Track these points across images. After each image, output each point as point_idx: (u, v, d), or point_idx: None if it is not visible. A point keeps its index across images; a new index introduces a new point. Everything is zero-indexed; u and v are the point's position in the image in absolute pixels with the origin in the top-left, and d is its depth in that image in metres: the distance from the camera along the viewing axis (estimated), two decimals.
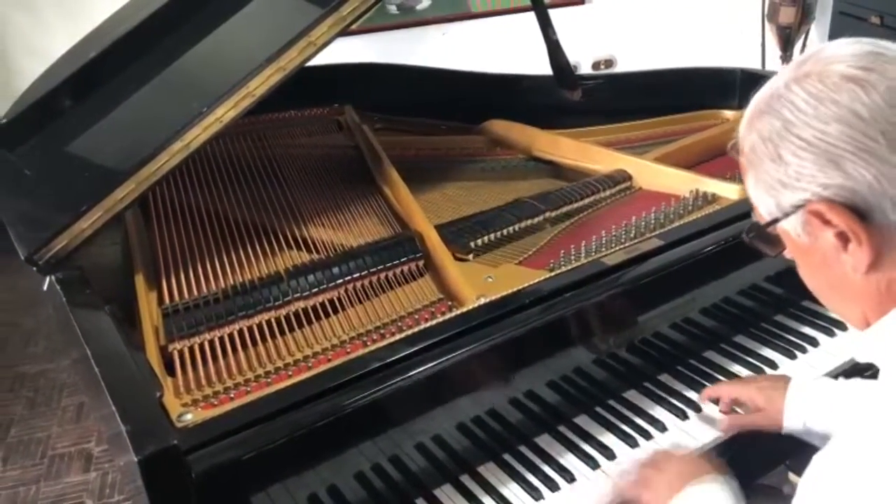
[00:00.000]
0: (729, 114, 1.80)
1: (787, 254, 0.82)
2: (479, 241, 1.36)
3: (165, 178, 1.56)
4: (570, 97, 1.78)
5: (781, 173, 0.72)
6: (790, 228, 0.75)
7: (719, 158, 1.60)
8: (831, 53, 0.72)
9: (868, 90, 0.68)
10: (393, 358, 1.02)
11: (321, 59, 1.30)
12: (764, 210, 0.77)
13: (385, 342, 1.07)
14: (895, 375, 0.70)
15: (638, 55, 3.49)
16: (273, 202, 1.51)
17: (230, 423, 0.94)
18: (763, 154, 0.73)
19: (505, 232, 1.39)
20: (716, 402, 1.21)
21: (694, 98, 1.80)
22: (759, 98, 0.76)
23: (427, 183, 1.63)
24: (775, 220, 0.75)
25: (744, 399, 1.18)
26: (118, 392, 0.93)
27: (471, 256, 1.32)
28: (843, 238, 0.71)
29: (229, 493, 0.95)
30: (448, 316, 1.12)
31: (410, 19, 3.34)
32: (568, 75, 1.74)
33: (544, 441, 1.17)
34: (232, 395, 1.02)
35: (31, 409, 2.39)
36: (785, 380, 1.16)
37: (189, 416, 0.96)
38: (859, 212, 0.69)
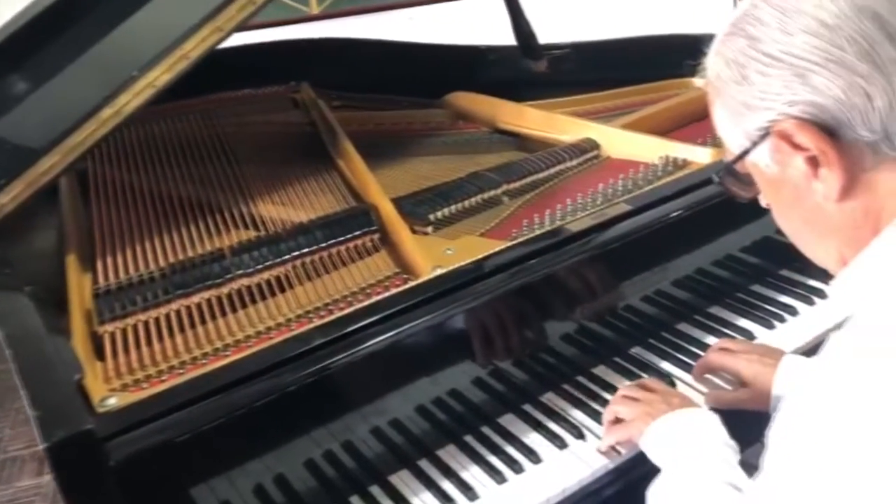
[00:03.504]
0: (701, 82, 1.72)
1: (762, 199, 0.76)
2: (439, 214, 1.28)
3: (109, 158, 1.53)
4: (535, 68, 1.71)
5: (747, 95, 0.68)
6: (759, 160, 0.70)
7: (691, 125, 1.54)
8: None
9: None
10: (338, 334, 0.94)
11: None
12: (733, 144, 0.72)
13: (330, 318, 0.99)
14: (869, 318, 0.63)
15: (607, 22, 3.42)
16: (223, 180, 1.43)
17: (157, 407, 0.86)
18: (728, 78, 0.69)
19: (466, 204, 1.31)
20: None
21: (665, 66, 1.73)
22: (727, 21, 0.71)
23: (387, 158, 1.55)
24: (744, 153, 0.70)
25: (730, 371, 1.12)
26: (30, 376, 0.84)
27: (430, 229, 1.25)
28: (814, 163, 0.66)
29: (159, 483, 0.87)
30: (401, 288, 1.04)
31: (377, 4, 3.26)
32: (532, 45, 1.67)
33: (508, 420, 1.10)
34: (164, 379, 0.94)
35: None
36: (776, 355, 1.09)
37: (112, 401, 0.87)
38: (828, 129, 0.64)
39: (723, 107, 0.72)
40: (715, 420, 0.96)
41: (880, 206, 0.66)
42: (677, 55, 1.72)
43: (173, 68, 1.12)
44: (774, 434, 0.65)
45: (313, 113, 1.68)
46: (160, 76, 1.11)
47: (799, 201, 0.70)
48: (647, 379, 1.11)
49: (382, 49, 1.90)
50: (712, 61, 0.72)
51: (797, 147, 0.66)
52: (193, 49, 1.13)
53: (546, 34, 1.81)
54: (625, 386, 1.09)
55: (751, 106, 0.68)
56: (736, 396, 1.09)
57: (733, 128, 0.71)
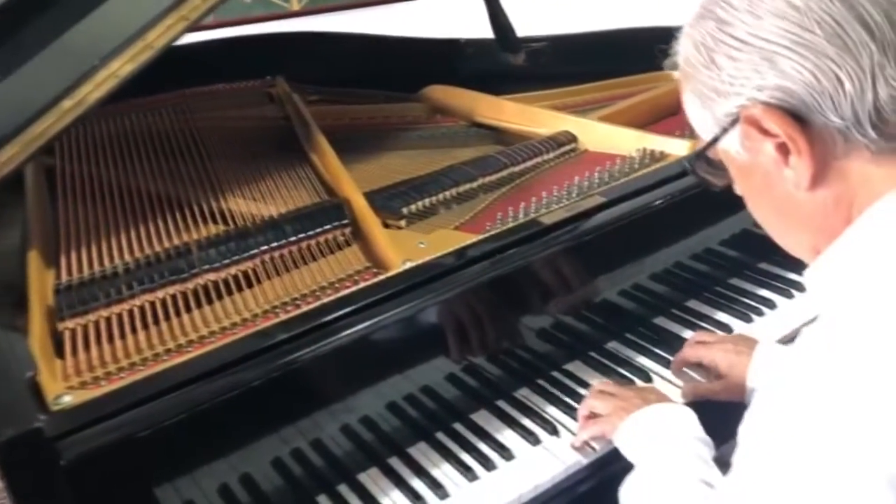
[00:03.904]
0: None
1: (736, 187, 0.74)
2: (413, 208, 1.26)
3: (79, 154, 1.50)
4: (513, 61, 1.69)
5: (716, 79, 0.66)
6: (730, 147, 0.69)
7: (670, 118, 1.52)
8: None
9: None
10: (301, 329, 0.92)
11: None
12: (704, 131, 0.71)
13: (295, 313, 0.96)
14: (840, 313, 0.61)
15: (585, 14, 3.39)
16: (194, 175, 1.40)
17: (113, 404, 0.84)
18: (697, 62, 0.67)
19: (441, 197, 1.29)
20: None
21: (645, 59, 1.71)
22: (697, 5, 0.69)
23: (362, 152, 1.53)
24: (714, 139, 0.69)
25: (706, 363, 1.10)
26: None
27: (403, 223, 1.22)
28: (784, 150, 0.64)
29: (117, 483, 0.84)
30: (369, 282, 1.01)
31: (356, 1, 3.23)
32: (510, 38, 1.65)
33: (480, 417, 1.07)
34: (123, 375, 0.91)
35: None
36: (750, 343, 1.07)
37: (67, 399, 0.84)
38: (798, 115, 0.62)
39: (692, 92, 0.70)
40: (690, 415, 0.94)
41: (852, 195, 0.64)
42: (657, 48, 1.71)
43: (136, 58, 1.09)
44: (744, 432, 0.64)
45: (288, 107, 1.66)
46: (123, 66, 1.08)
47: (770, 189, 0.68)
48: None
49: (360, 43, 1.88)
50: (682, 45, 0.70)
51: (766, 133, 0.64)
52: (157, 38, 1.10)
53: (526, 27, 1.79)
54: (601, 382, 1.07)
55: (720, 91, 0.66)
56: (711, 388, 1.08)
57: (703, 113, 0.70)
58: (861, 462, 0.55)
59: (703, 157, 0.72)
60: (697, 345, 1.12)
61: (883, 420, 0.54)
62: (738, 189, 0.74)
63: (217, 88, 1.78)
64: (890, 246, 0.61)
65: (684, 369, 1.13)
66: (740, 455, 0.63)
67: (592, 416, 1.02)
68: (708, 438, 0.91)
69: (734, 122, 0.67)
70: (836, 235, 0.66)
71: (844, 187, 0.64)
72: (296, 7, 3.27)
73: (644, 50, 1.75)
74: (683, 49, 0.70)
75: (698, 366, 1.12)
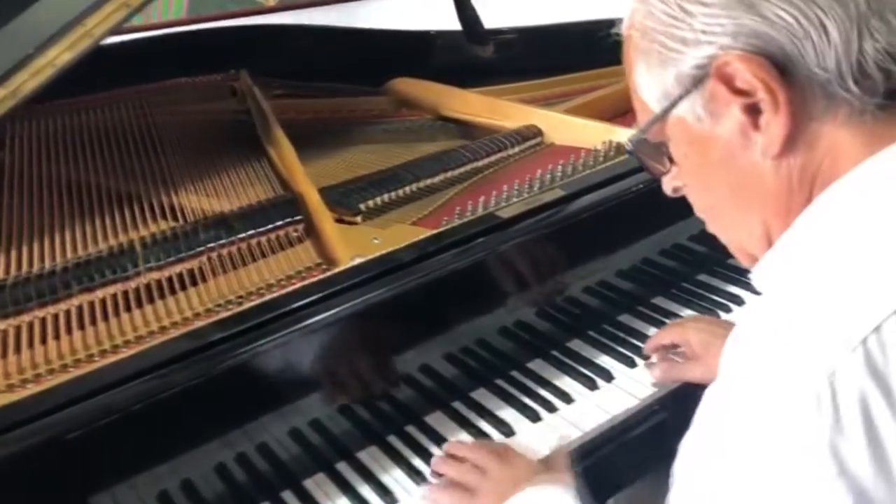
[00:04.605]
0: None
1: (672, 178, 0.69)
2: (371, 203, 1.22)
3: (30, 149, 1.45)
4: (481, 54, 1.65)
5: (685, 28, 0.58)
6: (688, 114, 0.61)
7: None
8: None
9: None
10: (238, 328, 0.88)
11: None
12: (658, 98, 0.63)
13: (233, 311, 0.92)
14: (774, 307, 0.57)
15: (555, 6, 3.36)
16: (147, 171, 1.36)
17: (40, 406, 0.80)
18: (661, 12, 0.60)
19: (401, 192, 1.25)
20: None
21: (615, 51, 1.67)
22: None
23: (323, 147, 1.48)
24: (672, 103, 0.62)
25: (679, 342, 1.06)
26: None
27: (359, 218, 1.18)
28: (754, 111, 0.58)
29: (44, 489, 0.79)
30: (313, 279, 0.97)
31: None
32: (477, 29, 1.61)
33: (435, 420, 1.03)
34: (52, 378, 0.86)
35: None
36: (726, 325, 1.03)
37: None
38: (777, 65, 0.56)
39: (648, 52, 0.62)
40: (565, 498, 0.83)
41: (816, 167, 0.59)
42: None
43: (75, 46, 1.04)
44: (683, 443, 0.60)
45: (249, 101, 1.61)
46: (60, 55, 1.04)
47: (728, 163, 0.62)
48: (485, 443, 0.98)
49: (326, 35, 1.83)
50: (639, 4, 0.63)
51: (736, 92, 0.58)
52: (97, 26, 1.05)
53: (498, 19, 1.75)
54: (455, 443, 0.98)
55: (688, 41, 0.59)
56: (684, 370, 1.04)
57: (661, 74, 0.62)
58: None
59: (645, 135, 0.66)
60: (672, 325, 1.09)
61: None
62: (684, 171, 0.67)
63: (179, 83, 1.74)
64: (839, 237, 0.56)
65: (656, 356, 1.10)
66: (676, 468, 0.60)
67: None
68: None
69: (700, 79, 0.59)
70: (794, 217, 0.60)
71: (811, 157, 0.58)
72: (272, 2, 3.21)
73: (616, 42, 1.72)
74: (641, 4, 0.63)
75: (674, 347, 1.09)
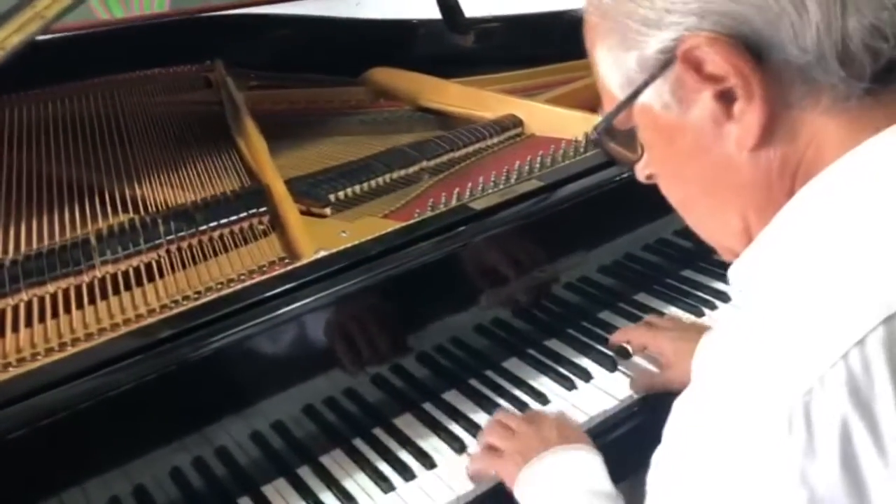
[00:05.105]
0: None
1: (643, 167, 0.63)
2: (341, 195, 1.17)
3: None
4: (462, 43, 1.60)
5: (647, 7, 0.52)
6: (654, 101, 0.55)
7: None
8: None
9: None
10: (192, 324, 0.83)
11: None
12: (622, 85, 0.57)
13: (188, 306, 0.87)
14: (758, 311, 0.52)
15: None
16: (113, 162, 1.31)
17: None
18: None
19: (373, 184, 1.20)
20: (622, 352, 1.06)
21: None
22: None
23: (298, 138, 1.43)
24: (636, 92, 0.55)
25: (653, 350, 1.02)
26: None
27: (328, 211, 1.13)
28: (726, 98, 0.52)
29: None
30: (273, 273, 0.92)
31: None
32: (456, 17, 1.56)
33: (403, 422, 0.98)
34: None
35: None
36: (699, 329, 0.99)
37: None
38: (750, 48, 0.50)
39: (607, 34, 0.56)
40: (592, 462, 0.84)
41: (799, 159, 0.53)
42: None
43: (24, 28, 0.99)
44: (654, 457, 0.55)
45: (223, 92, 1.56)
46: (8, 38, 0.98)
47: (700, 155, 0.56)
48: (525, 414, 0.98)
49: (305, 24, 1.78)
50: None
51: (706, 78, 0.52)
52: (49, 7, 1.00)
53: (479, 7, 1.70)
54: (502, 413, 0.97)
55: (651, 21, 0.52)
56: (654, 381, 1.00)
57: (624, 59, 0.55)
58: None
59: (610, 124, 0.59)
60: (645, 327, 1.04)
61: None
62: (653, 161, 0.61)
63: (152, 73, 1.69)
64: (820, 236, 0.50)
65: (635, 359, 1.05)
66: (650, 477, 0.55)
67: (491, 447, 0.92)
68: (612, 491, 0.81)
69: (666, 64, 0.53)
70: (776, 211, 0.54)
71: (792, 147, 0.53)
72: None
73: None
74: None
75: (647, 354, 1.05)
